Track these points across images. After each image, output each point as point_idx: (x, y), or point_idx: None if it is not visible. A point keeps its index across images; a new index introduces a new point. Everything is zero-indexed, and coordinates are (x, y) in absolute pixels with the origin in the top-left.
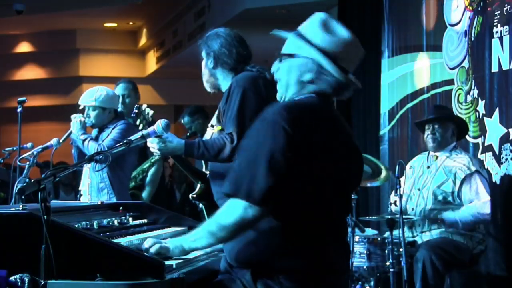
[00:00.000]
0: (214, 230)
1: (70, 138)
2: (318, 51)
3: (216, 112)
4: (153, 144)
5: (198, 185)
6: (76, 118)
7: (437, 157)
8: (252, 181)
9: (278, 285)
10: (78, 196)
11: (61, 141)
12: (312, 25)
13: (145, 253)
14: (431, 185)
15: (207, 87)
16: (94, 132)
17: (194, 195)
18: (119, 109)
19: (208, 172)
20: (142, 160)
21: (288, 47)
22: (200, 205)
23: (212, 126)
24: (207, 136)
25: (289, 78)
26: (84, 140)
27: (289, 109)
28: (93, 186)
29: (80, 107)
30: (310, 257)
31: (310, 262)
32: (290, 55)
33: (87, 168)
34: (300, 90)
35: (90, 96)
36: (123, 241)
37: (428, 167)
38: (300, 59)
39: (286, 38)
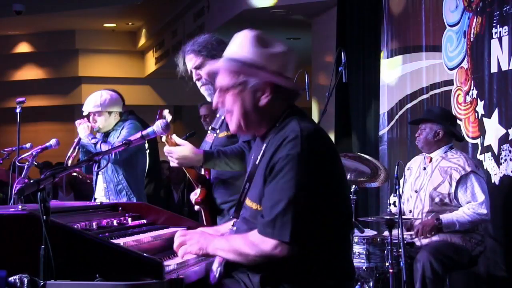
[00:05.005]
0: (236, 252)
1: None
2: (266, 71)
3: (220, 118)
4: (171, 154)
5: (199, 189)
6: (82, 125)
7: (431, 158)
8: (292, 225)
9: None
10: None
11: (71, 150)
12: (248, 46)
13: (145, 254)
14: (428, 187)
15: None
16: (98, 135)
17: (199, 199)
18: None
19: (203, 173)
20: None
21: (228, 76)
22: (196, 207)
23: (214, 129)
24: (208, 139)
25: (244, 109)
26: (95, 144)
27: (309, 138)
28: (110, 190)
29: (84, 113)
30: (328, 265)
31: (327, 269)
32: (239, 85)
33: (100, 174)
34: (263, 115)
35: (95, 102)
36: (122, 241)
37: (425, 168)
38: (251, 85)
39: (218, 69)
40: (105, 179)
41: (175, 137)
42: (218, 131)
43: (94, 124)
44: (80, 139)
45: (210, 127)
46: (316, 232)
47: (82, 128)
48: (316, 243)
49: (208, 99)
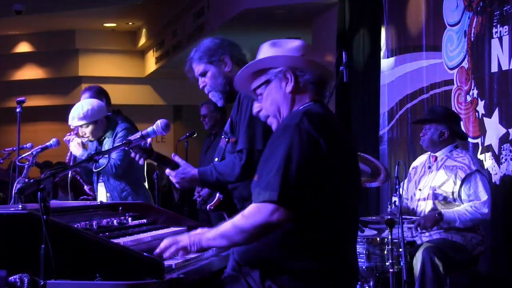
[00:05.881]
0: (235, 232)
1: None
2: (283, 59)
3: (229, 121)
4: (172, 178)
5: (217, 196)
6: (73, 142)
7: (436, 157)
8: (281, 185)
9: (288, 286)
10: None
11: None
12: (264, 51)
13: (145, 253)
14: (432, 185)
15: (221, 98)
16: (90, 144)
17: (212, 207)
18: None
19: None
20: None
21: (257, 81)
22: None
23: (226, 134)
24: (222, 144)
25: (275, 101)
26: None
27: (309, 116)
28: (115, 198)
29: (71, 127)
30: (323, 259)
31: (322, 264)
32: (265, 82)
33: (101, 183)
34: (293, 103)
35: (78, 115)
36: (122, 241)
37: (429, 167)
38: (274, 79)
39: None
40: (107, 188)
41: (176, 157)
42: (229, 135)
43: (83, 136)
44: (73, 156)
45: (223, 132)
46: (310, 209)
47: (74, 146)
48: (308, 227)
49: (218, 103)
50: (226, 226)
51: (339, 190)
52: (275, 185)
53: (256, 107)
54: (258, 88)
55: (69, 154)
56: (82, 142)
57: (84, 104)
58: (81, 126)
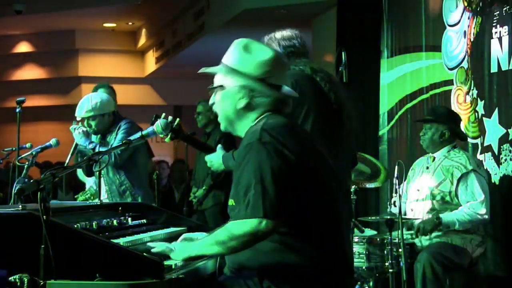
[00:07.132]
0: (224, 240)
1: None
2: (245, 76)
3: None
4: (208, 163)
5: None
6: (77, 130)
7: (434, 158)
8: (263, 202)
9: (288, 287)
10: None
11: (69, 156)
12: (234, 52)
13: (145, 253)
14: (429, 185)
15: None
16: (94, 137)
17: None
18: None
19: None
20: None
21: (218, 79)
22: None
23: None
24: None
25: (225, 109)
26: (93, 149)
27: (268, 130)
28: (113, 192)
29: (78, 118)
30: (318, 258)
31: (318, 262)
32: (220, 87)
33: (101, 178)
34: (243, 117)
35: (87, 107)
36: (122, 241)
37: (427, 167)
38: (230, 88)
39: (215, 73)
40: (106, 181)
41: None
42: None
43: (88, 128)
44: (76, 145)
45: None
46: (292, 213)
47: (78, 134)
48: (299, 229)
49: None
50: (217, 234)
51: (320, 190)
52: (257, 202)
53: (213, 99)
54: (216, 86)
55: (67, 161)
56: (87, 131)
57: (93, 97)
58: (87, 118)
